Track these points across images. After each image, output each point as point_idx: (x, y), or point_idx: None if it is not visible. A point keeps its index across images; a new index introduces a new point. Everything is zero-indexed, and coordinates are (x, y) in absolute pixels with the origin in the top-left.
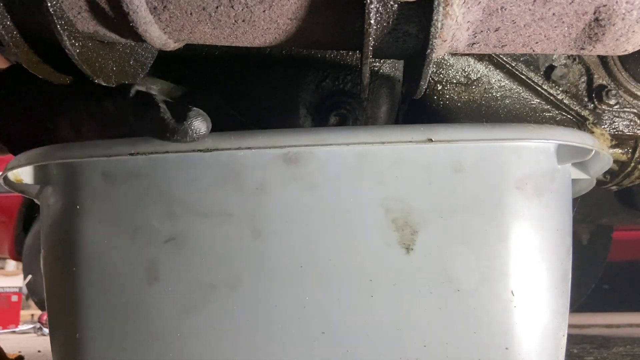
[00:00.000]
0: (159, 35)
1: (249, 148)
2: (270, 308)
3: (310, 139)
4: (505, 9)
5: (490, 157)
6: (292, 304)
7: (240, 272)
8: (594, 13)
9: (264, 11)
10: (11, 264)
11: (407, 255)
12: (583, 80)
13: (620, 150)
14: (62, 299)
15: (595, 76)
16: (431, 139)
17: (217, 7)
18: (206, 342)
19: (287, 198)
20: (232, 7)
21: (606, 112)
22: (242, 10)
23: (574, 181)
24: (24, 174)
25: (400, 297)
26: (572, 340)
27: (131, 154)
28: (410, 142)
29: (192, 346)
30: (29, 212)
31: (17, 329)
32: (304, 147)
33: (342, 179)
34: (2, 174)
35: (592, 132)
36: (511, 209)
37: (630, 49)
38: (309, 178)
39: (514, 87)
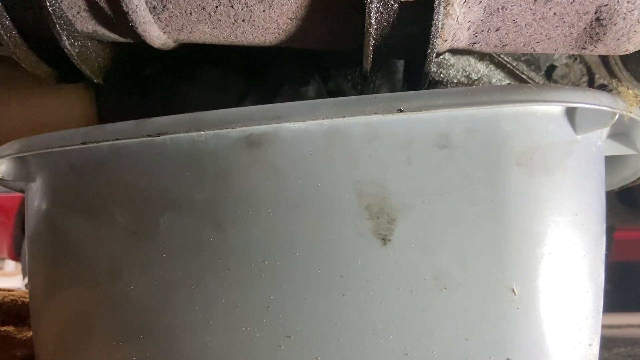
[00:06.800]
0: (158, 35)
1: (198, 130)
2: (231, 309)
3: (262, 114)
4: (506, 9)
5: (483, 128)
6: (254, 304)
7: (200, 268)
8: (595, 13)
9: (263, 11)
10: (10, 265)
11: (383, 247)
12: (584, 80)
13: None
14: (37, 297)
15: (597, 76)
16: (401, 109)
17: (216, 7)
18: (167, 345)
19: (248, 185)
20: (231, 6)
21: None
22: (242, 9)
23: (623, 161)
24: (3, 171)
25: (375, 296)
26: None
27: (84, 144)
28: (376, 114)
29: (153, 349)
30: None
31: None
32: (266, 127)
33: (309, 161)
34: None
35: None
36: (511, 190)
37: (632, 48)
38: (272, 162)
39: None
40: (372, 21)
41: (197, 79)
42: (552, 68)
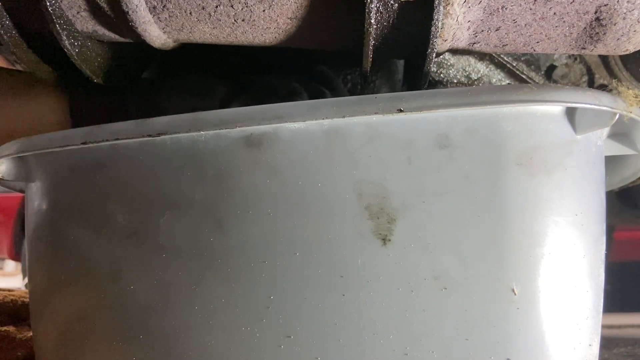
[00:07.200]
0: (158, 35)
1: (199, 130)
2: (231, 309)
3: (262, 114)
4: (506, 9)
5: (483, 128)
6: (254, 304)
7: (200, 268)
8: (595, 12)
9: (263, 10)
10: (10, 265)
11: (383, 247)
12: (584, 80)
13: None
14: (37, 297)
15: (597, 76)
16: (401, 109)
17: (216, 7)
18: (166, 345)
19: (248, 185)
20: (231, 6)
21: None
22: (242, 9)
23: (623, 161)
24: (3, 171)
25: (375, 296)
26: None
27: (84, 144)
28: (376, 114)
29: (153, 349)
30: None
31: None
32: (266, 127)
33: (309, 161)
34: None
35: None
36: (511, 190)
37: (632, 48)
38: (272, 162)
39: None
40: (372, 21)
41: (175, 85)
42: (552, 68)
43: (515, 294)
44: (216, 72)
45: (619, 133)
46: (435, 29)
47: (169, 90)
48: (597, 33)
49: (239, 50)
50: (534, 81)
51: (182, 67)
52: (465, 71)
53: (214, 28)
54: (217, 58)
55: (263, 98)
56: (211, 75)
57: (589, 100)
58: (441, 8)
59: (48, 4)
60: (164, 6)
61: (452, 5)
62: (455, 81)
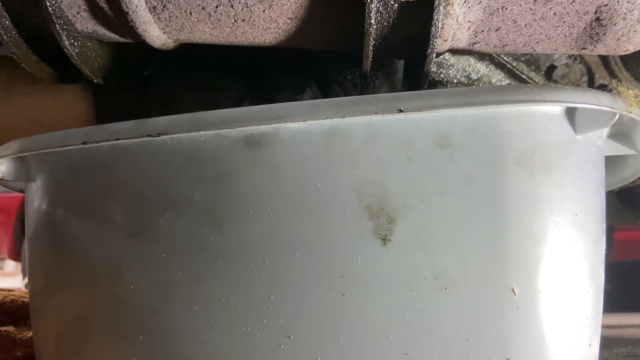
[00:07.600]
0: (158, 35)
1: (199, 130)
2: (231, 309)
3: (262, 114)
4: (506, 9)
5: (483, 128)
6: (254, 304)
7: (200, 268)
8: (595, 12)
9: (263, 11)
10: (10, 265)
11: (383, 247)
12: (584, 80)
13: None
14: (37, 297)
15: (597, 76)
16: (401, 109)
17: (216, 7)
18: (167, 345)
19: (248, 185)
20: (231, 6)
21: None
22: (242, 9)
23: (623, 161)
24: (3, 171)
25: (375, 296)
26: None
27: (84, 144)
28: (376, 114)
29: (153, 349)
30: None
31: None
32: (266, 127)
33: (309, 161)
34: None
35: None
36: (511, 190)
37: (632, 48)
38: (272, 162)
39: None
40: (372, 21)
41: (194, 82)
42: (552, 68)
43: (515, 294)
44: (232, 69)
45: (619, 133)
46: (435, 29)
47: (186, 87)
48: (597, 33)
49: (251, 47)
50: (534, 81)
51: (198, 64)
52: (465, 71)
53: (214, 28)
54: (233, 55)
55: (274, 94)
56: (226, 72)
57: (589, 100)
58: (441, 8)
59: (48, 4)
60: (164, 6)
61: (452, 5)
62: (455, 81)
